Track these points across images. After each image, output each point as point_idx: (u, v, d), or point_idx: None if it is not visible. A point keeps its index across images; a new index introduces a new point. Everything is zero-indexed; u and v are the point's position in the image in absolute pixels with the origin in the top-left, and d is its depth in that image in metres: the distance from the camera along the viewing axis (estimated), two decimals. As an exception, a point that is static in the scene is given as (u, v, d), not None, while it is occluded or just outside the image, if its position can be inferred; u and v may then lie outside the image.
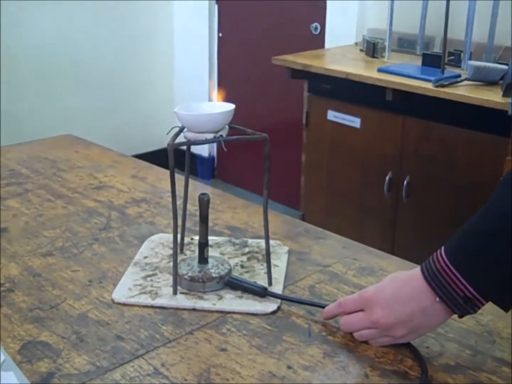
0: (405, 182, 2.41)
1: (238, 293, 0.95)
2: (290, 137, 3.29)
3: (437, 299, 0.77)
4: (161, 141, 3.67)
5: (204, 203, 0.94)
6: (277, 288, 0.96)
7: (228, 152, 1.02)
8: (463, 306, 0.76)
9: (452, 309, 0.77)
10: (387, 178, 2.46)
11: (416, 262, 0.97)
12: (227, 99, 0.96)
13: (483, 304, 0.76)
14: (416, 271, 0.80)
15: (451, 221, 2.24)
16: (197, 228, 0.98)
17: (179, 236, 0.99)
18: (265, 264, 0.99)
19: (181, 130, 0.95)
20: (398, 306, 0.79)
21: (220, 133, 0.91)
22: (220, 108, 0.94)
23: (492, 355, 0.82)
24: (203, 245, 0.97)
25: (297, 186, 2.89)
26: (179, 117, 0.92)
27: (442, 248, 0.78)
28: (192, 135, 0.92)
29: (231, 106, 0.93)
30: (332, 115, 2.62)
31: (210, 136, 0.91)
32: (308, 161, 2.78)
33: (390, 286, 0.82)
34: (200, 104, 0.96)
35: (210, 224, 0.99)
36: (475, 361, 0.81)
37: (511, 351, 0.82)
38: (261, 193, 0.96)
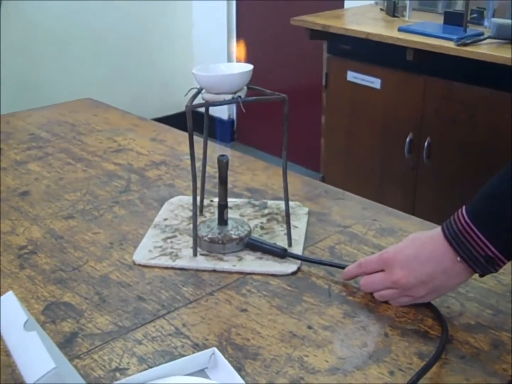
0: (425, 143, 2.38)
1: (258, 254, 0.95)
2: (310, 98, 3.26)
3: (458, 258, 0.77)
4: (180, 105, 3.65)
5: (223, 165, 0.94)
6: (297, 249, 0.97)
7: (247, 115, 1.02)
8: (484, 265, 0.76)
9: (473, 269, 0.77)
10: (407, 139, 2.44)
11: (436, 223, 0.96)
12: (245, 60, 0.95)
13: (504, 263, 0.76)
14: (436, 231, 0.80)
15: (472, 182, 2.22)
16: (217, 190, 0.98)
17: (198, 198, 0.99)
18: (284, 226, 0.99)
19: (199, 91, 0.94)
20: (418, 266, 0.79)
21: (238, 94, 0.91)
22: (238, 68, 0.93)
23: (513, 314, 0.82)
24: (223, 207, 0.97)
25: (317, 148, 2.88)
26: (197, 78, 0.91)
27: (463, 207, 0.78)
28: (210, 97, 0.91)
29: (250, 67, 0.92)
30: (352, 76, 2.59)
31: (228, 97, 0.90)
32: (328, 123, 2.76)
33: (411, 246, 0.81)
34: (218, 65, 0.95)
35: (229, 186, 0.99)
36: (496, 321, 0.81)
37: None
38: (280, 155, 0.95)
